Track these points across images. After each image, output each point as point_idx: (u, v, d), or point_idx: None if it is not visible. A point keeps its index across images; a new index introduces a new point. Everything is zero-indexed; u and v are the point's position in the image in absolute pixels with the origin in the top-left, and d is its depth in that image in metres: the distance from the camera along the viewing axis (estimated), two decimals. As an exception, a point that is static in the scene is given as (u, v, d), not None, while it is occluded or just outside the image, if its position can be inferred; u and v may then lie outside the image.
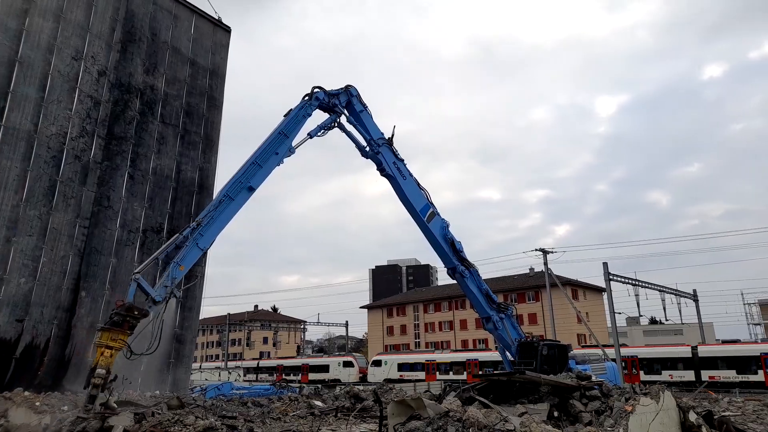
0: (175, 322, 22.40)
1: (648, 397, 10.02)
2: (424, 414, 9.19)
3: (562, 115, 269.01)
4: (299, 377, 59.93)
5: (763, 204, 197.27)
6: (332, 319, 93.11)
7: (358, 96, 17.57)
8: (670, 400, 10.04)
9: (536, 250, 43.88)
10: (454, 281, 18.94)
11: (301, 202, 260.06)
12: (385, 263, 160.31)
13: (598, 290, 65.15)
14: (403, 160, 17.94)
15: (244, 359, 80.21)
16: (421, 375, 50.61)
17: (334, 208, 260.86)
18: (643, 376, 39.00)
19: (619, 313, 38.99)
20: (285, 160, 15.17)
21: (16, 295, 19.24)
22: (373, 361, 58.65)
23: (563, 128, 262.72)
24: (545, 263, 43.95)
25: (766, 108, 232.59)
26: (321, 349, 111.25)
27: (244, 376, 56.12)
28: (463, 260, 18.19)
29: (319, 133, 16.46)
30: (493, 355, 47.99)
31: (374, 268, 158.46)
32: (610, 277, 36.23)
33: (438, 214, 18.19)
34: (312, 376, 59.49)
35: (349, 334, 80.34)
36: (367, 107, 17.76)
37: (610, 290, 36.39)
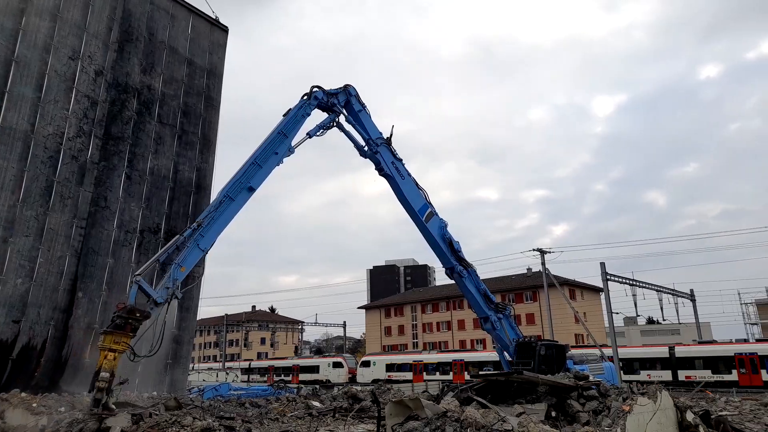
0: (174, 324, 22.37)
1: (645, 396, 10.03)
2: (422, 414, 9.18)
3: (561, 115, 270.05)
4: (290, 378, 60.13)
5: (760, 204, 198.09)
6: (330, 320, 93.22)
7: (357, 95, 17.58)
8: (667, 400, 10.05)
9: (534, 250, 43.86)
10: (452, 281, 18.93)
11: (300, 201, 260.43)
12: (383, 263, 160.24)
13: (596, 290, 65.17)
14: (401, 160, 17.92)
15: (240, 360, 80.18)
16: (409, 375, 50.88)
17: (332, 207, 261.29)
18: (622, 376, 39.21)
19: (617, 313, 39.02)
20: (284, 159, 15.23)
21: (13, 296, 19.19)
22: (362, 361, 59.08)
23: (562, 128, 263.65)
24: (543, 263, 43.93)
25: (763, 108, 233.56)
26: (319, 349, 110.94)
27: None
28: (462, 260, 18.18)
29: (318, 133, 16.48)
30: (479, 356, 48.33)
31: (372, 268, 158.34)
32: (608, 277, 36.27)
33: (436, 214, 18.16)
34: (302, 376, 59.82)
35: (348, 335, 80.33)
36: (365, 107, 17.76)
37: (608, 290, 36.44)
